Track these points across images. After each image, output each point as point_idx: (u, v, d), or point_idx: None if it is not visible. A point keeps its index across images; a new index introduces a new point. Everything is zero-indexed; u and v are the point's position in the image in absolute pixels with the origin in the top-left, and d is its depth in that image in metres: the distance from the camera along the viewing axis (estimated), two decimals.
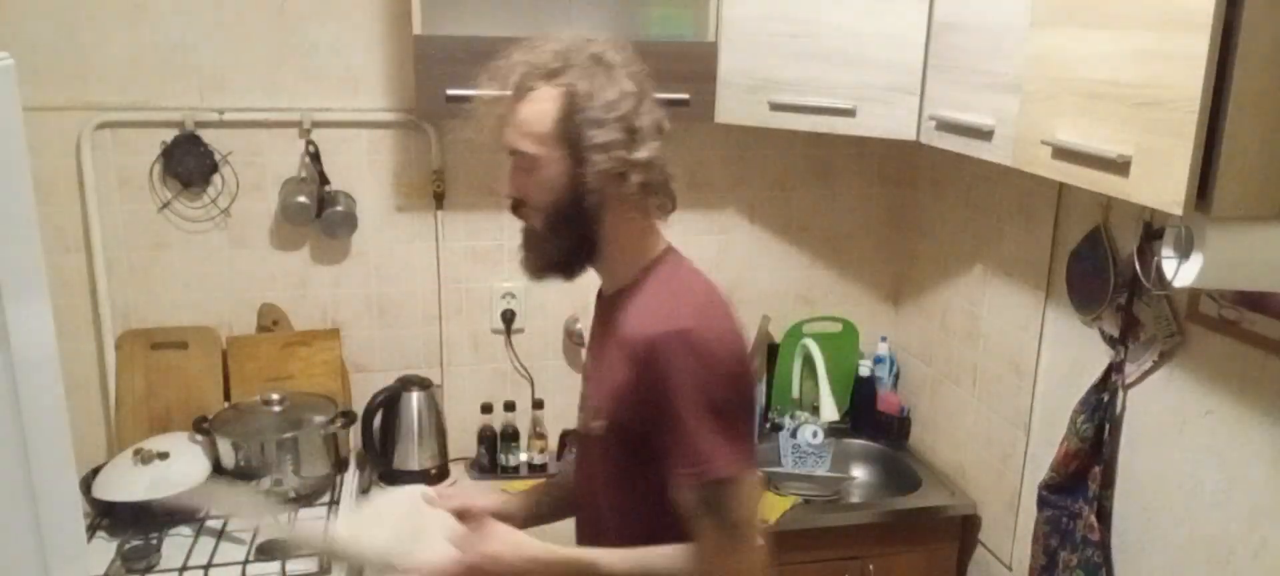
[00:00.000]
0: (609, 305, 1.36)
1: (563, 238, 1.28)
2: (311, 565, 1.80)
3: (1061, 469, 1.80)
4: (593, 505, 1.40)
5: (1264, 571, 1.47)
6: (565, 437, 2.36)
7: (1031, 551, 1.89)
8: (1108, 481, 1.76)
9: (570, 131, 1.22)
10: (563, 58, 1.25)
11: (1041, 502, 1.85)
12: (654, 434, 1.23)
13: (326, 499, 2.06)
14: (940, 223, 2.39)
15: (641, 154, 1.23)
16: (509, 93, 1.26)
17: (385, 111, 2.20)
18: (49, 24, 2.00)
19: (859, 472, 2.46)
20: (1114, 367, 1.74)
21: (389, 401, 2.22)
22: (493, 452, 2.33)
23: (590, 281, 1.40)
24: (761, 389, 2.49)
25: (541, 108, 1.23)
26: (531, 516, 1.51)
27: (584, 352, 1.49)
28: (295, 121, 2.15)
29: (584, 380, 1.46)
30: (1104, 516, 1.76)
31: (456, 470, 2.33)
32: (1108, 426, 1.75)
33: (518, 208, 1.31)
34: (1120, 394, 1.75)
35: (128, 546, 1.81)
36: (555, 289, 2.35)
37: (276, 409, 2.06)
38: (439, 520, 1.37)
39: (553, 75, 1.24)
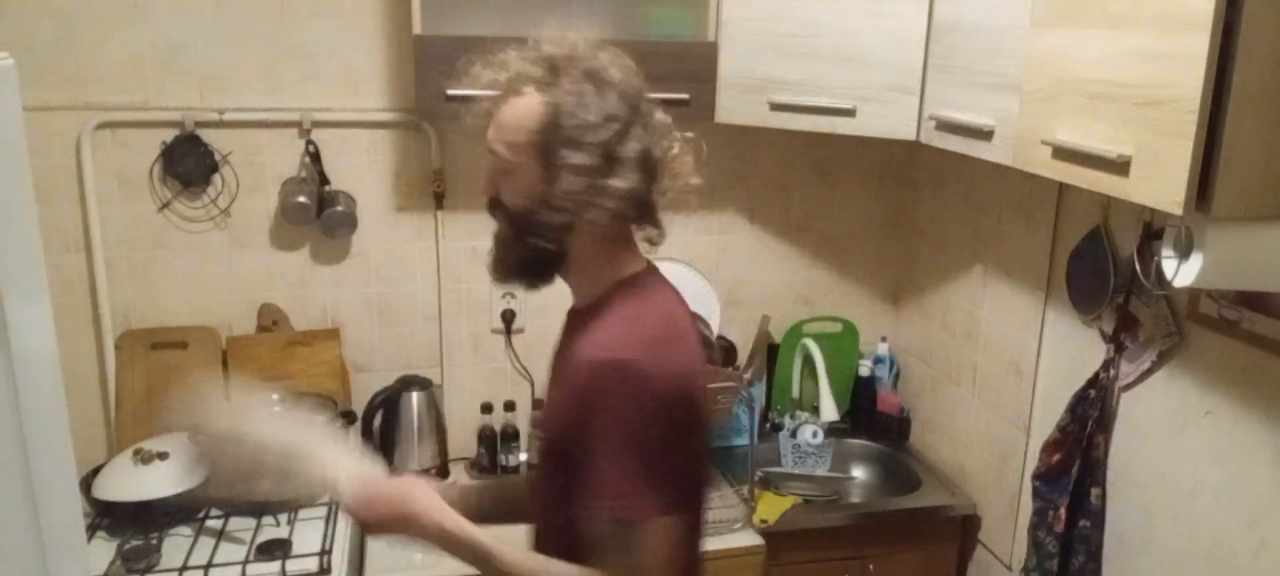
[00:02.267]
0: (574, 321, 1.33)
1: (527, 247, 1.24)
2: (312, 565, 1.81)
3: (1045, 459, 1.83)
4: (537, 517, 1.37)
5: (1264, 571, 1.47)
6: None
7: (1027, 544, 1.90)
8: (1091, 476, 1.77)
9: (545, 145, 1.18)
10: (557, 66, 1.20)
11: (1035, 494, 1.87)
12: (582, 459, 1.18)
13: (326, 499, 2.05)
14: (940, 223, 2.39)
15: (617, 183, 1.18)
16: (498, 90, 1.23)
17: (385, 111, 2.20)
18: (49, 24, 2.00)
19: (859, 472, 2.46)
20: (1104, 366, 1.75)
21: (389, 401, 2.22)
22: (493, 452, 2.32)
23: None
24: (761, 389, 2.50)
25: (522, 115, 1.19)
26: (467, 508, 1.36)
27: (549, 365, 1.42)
28: (295, 121, 2.15)
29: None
30: (1088, 512, 1.77)
31: (456, 470, 2.33)
32: (1093, 422, 1.76)
33: (492, 206, 1.28)
34: (1111, 391, 1.75)
35: (128, 546, 1.81)
36: (555, 289, 2.34)
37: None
38: (358, 455, 1.36)
39: (542, 83, 1.20)
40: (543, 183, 1.19)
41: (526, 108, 1.19)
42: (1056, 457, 1.81)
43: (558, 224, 1.21)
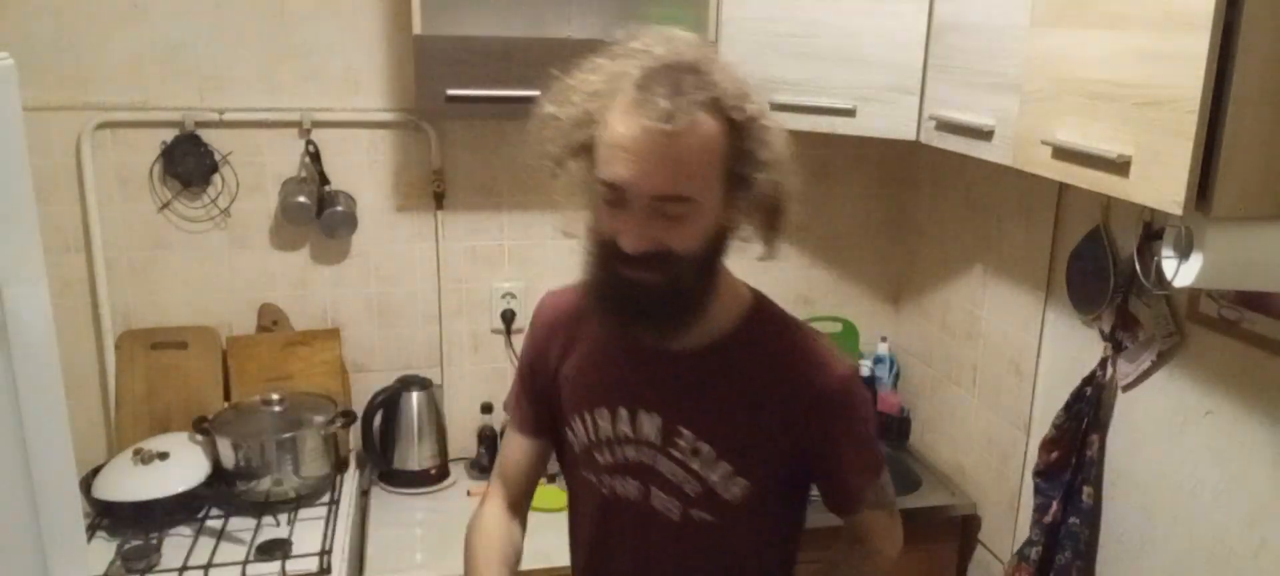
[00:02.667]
0: (701, 358, 1.18)
1: (698, 289, 1.11)
2: (311, 565, 1.81)
3: (1043, 456, 1.84)
4: (730, 564, 1.27)
5: (1264, 571, 1.47)
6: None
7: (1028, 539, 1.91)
8: (1083, 475, 1.77)
9: (733, 167, 1.05)
10: (695, 69, 1.04)
11: (1036, 489, 1.87)
12: (835, 475, 1.25)
13: (326, 499, 2.06)
14: (940, 223, 2.39)
15: (795, 180, 1.10)
16: (651, 125, 1.00)
17: (385, 111, 2.20)
18: (49, 24, 2.00)
19: None
20: (1103, 363, 1.75)
21: (389, 401, 2.22)
22: (493, 452, 2.32)
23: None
24: None
25: (704, 141, 1.02)
26: None
27: (585, 420, 1.26)
28: (295, 121, 2.15)
29: (626, 446, 1.23)
30: (1079, 510, 1.77)
31: (456, 470, 2.33)
32: (1088, 420, 1.76)
33: (653, 261, 1.05)
34: (1108, 391, 1.75)
35: (128, 546, 1.81)
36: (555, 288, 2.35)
37: (276, 409, 2.06)
38: None
39: (711, 103, 1.02)
40: (728, 204, 1.08)
41: (703, 129, 1.02)
42: (1054, 454, 1.82)
43: (726, 247, 1.12)
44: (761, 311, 1.22)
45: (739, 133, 1.04)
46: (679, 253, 1.06)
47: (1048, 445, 1.83)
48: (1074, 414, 1.79)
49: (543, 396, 1.34)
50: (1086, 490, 1.77)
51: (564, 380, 1.29)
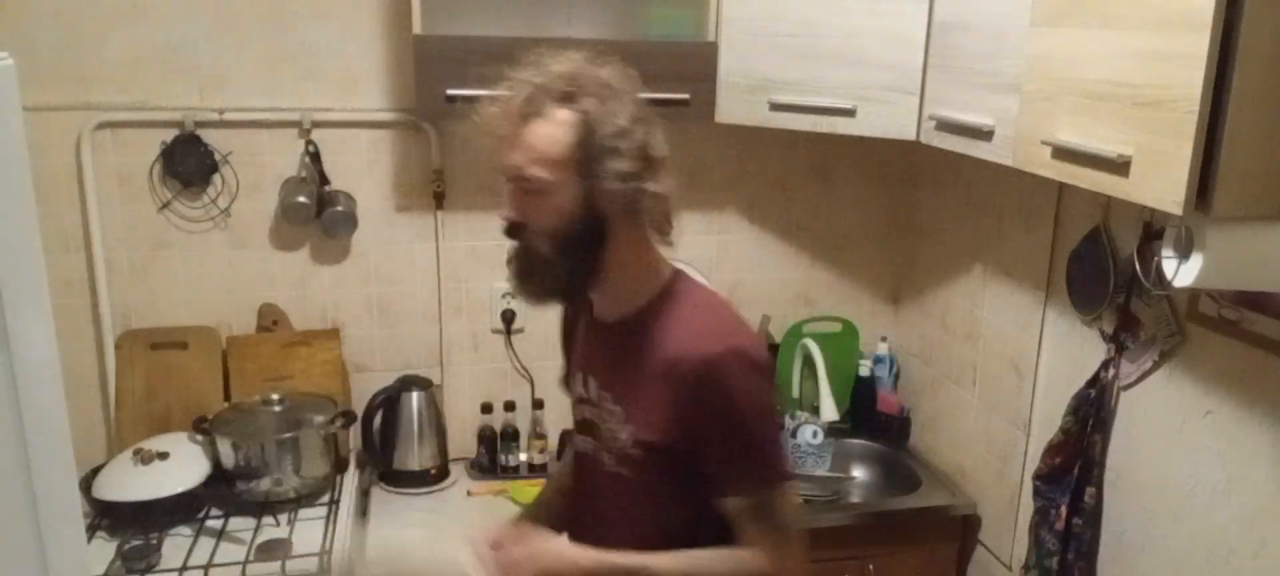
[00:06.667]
0: (620, 331, 1.33)
1: (568, 263, 1.25)
2: (311, 565, 1.81)
3: (1048, 460, 1.83)
4: (604, 526, 1.38)
5: (1264, 571, 1.47)
6: (565, 437, 2.36)
7: (1027, 543, 1.90)
8: (1086, 476, 1.77)
9: (586, 158, 1.19)
10: (573, 81, 1.21)
11: (1036, 493, 1.87)
12: (704, 451, 1.26)
13: (326, 498, 2.06)
14: (940, 223, 2.39)
15: (654, 185, 1.22)
16: (513, 113, 1.22)
17: (385, 111, 2.20)
18: (49, 24, 2.00)
19: (859, 472, 2.46)
20: (1105, 364, 1.75)
21: (389, 401, 2.22)
22: (493, 452, 2.33)
23: None
24: None
25: (554, 132, 1.20)
26: (558, 518, 1.49)
27: (572, 381, 1.45)
28: (295, 121, 2.15)
29: (585, 405, 1.42)
30: (1081, 510, 1.77)
31: (456, 470, 2.33)
32: (1092, 421, 1.76)
33: (516, 230, 1.27)
34: (1111, 391, 1.75)
35: (128, 546, 1.81)
36: None
37: (276, 409, 2.06)
38: (466, 538, 1.38)
39: (565, 98, 1.20)
40: (586, 194, 1.21)
41: (557, 123, 1.20)
42: (1058, 459, 1.81)
43: (601, 232, 1.23)
44: (674, 288, 1.32)
45: (590, 125, 1.18)
46: (537, 227, 1.23)
47: (1053, 450, 1.82)
48: (1080, 417, 1.78)
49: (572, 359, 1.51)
50: (1089, 491, 1.77)
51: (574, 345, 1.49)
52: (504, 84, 1.24)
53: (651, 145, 1.22)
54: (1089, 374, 1.79)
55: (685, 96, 2.02)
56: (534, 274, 1.28)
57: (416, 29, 1.93)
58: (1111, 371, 1.75)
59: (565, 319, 1.52)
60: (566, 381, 1.50)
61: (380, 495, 2.22)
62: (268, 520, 1.95)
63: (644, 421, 1.29)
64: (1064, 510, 1.78)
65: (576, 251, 1.24)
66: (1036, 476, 1.86)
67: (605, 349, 1.37)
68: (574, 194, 1.21)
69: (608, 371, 1.36)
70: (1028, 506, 1.94)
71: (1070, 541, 1.79)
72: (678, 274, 1.34)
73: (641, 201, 1.22)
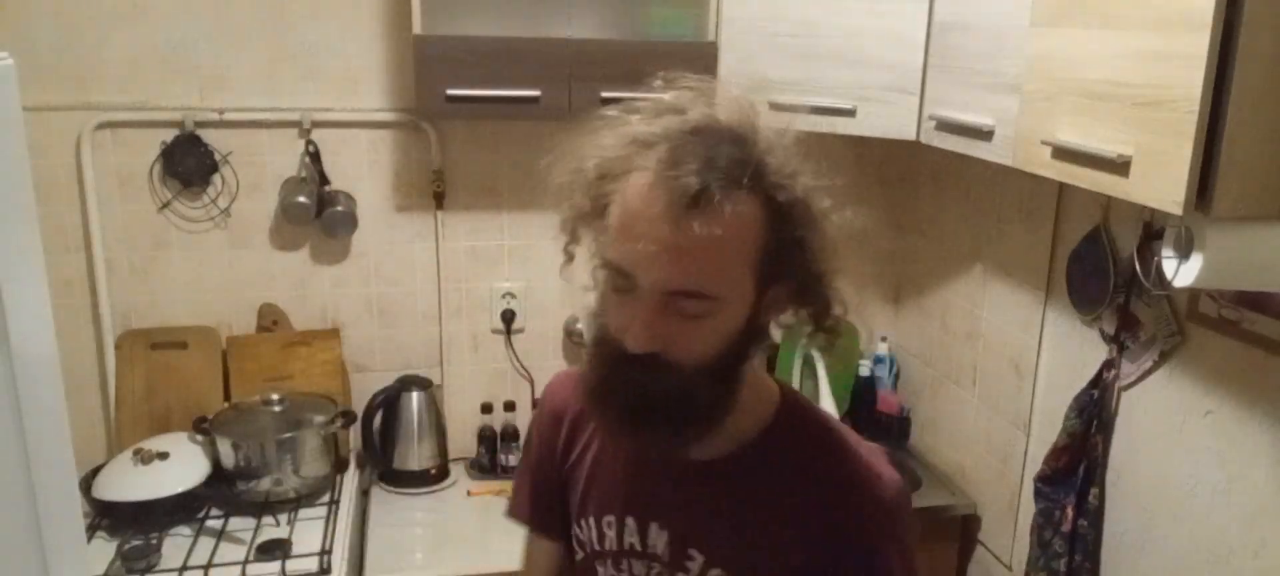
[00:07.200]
0: (724, 470, 0.99)
1: (717, 396, 0.92)
2: (312, 565, 1.81)
3: (1051, 462, 1.82)
4: None
5: (1264, 571, 1.47)
6: None
7: (1029, 544, 1.90)
8: (1091, 477, 1.77)
9: (770, 258, 0.87)
10: (741, 142, 0.86)
11: (1037, 494, 1.86)
12: None
13: (326, 498, 2.06)
14: (940, 223, 2.39)
15: (841, 260, 0.92)
16: (675, 206, 0.82)
17: (385, 111, 2.20)
18: (49, 24, 2.00)
19: None
20: (1106, 365, 1.75)
21: (389, 401, 2.22)
22: (493, 452, 2.33)
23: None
24: None
25: (737, 232, 0.84)
26: None
27: (596, 526, 1.08)
28: (295, 121, 2.15)
29: (634, 560, 1.05)
30: (1086, 512, 1.77)
31: (456, 470, 2.33)
32: (1095, 422, 1.76)
33: (653, 364, 0.88)
34: (1113, 391, 1.75)
35: (128, 546, 1.81)
36: (555, 289, 2.36)
37: (276, 409, 2.06)
38: None
39: (740, 174, 0.84)
40: (754, 308, 0.90)
41: (742, 222, 0.84)
42: (1062, 460, 1.80)
43: (747, 350, 0.92)
44: (793, 412, 1.02)
45: (782, 216, 0.86)
46: (692, 358, 0.88)
47: (1057, 452, 1.80)
48: (1085, 418, 1.77)
49: (554, 491, 1.14)
50: (1093, 492, 1.77)
51: (572, 477, 1.12)
52: (612, 140, 0.90)
53: (829, 214, 0.91)
54: (1089, 374, 1.79)
55: None
56: (664, 411, 0.91)
57: (416, 29, 1.93)
58: (1113, 372, 1.75)
59: (543, 438, 1.15)
60: (542, 522, 1.14)
61: (380, 495, 2.22)
62: (268, 520, 1.95)
63: None
64: (1071, 511, 1.77)
65: (726, 376, 0.92)
66: (1039, 478, 1.85)
67: (690, 492, 1.01)
68: (747, 307, 0.89)
69: (694, 521, 1.01)
70: (1028, 506, 1.94)
71: (1076, 542, 1.78)
72: (789, 389, 1.05)
73: (828, 292, 0.92)
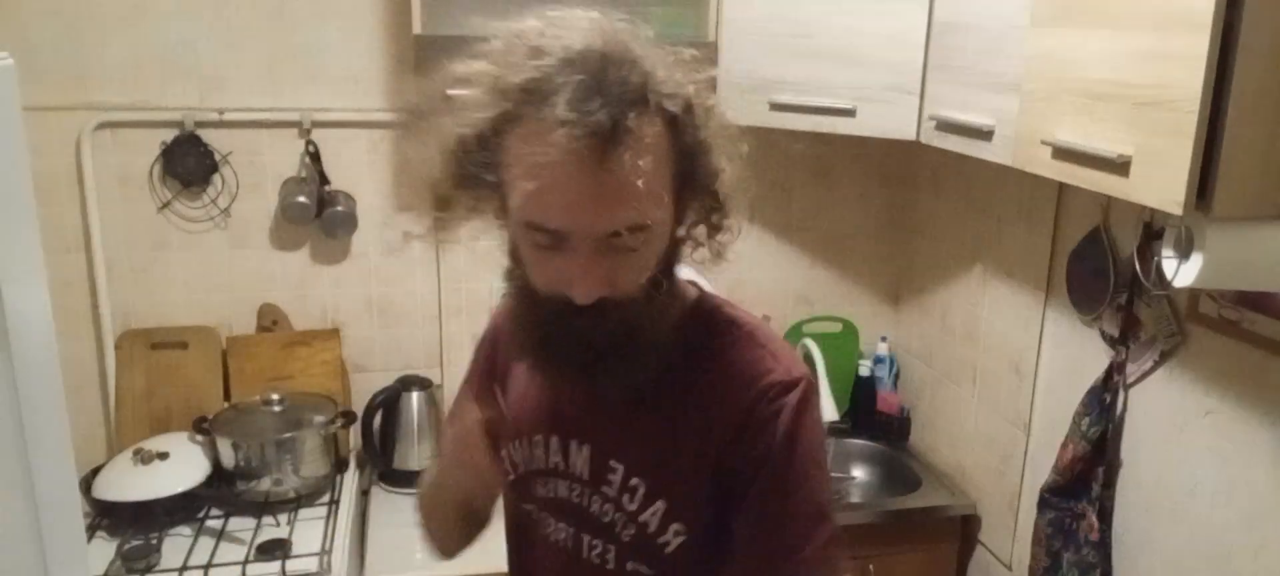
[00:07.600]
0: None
1: (661, 317, 0.92)
2: (312, 565, 1.81)
3: (1067, 471, 1.78)
4: None
5: (1264, 571, 1.47)
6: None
7: (1032, 552, 1.89)
8: (1108, 481, 1.76)
9: (683, 171, 0.87)
10: (625, 62, 0.83)
11: (1043, 504, 1.84)
12: (732, 496, 0.94)
13: (326, 498, 2.06)
14: (940, 223, 2.39)
15: (738, 162, 0.93)
16: (582, 148, 0.78)
17: (385, 111, 2.20)
18: (49, 24, 2.00)
19: (859, 472, 2.46)
20: (1115, 368, 1.74)
21: (389, 401, 2.22)
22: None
23: None
24: None
25: (649, 155, 0.82)
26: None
27: (516, 447, 1.07)
28: (295, 121, 2.15)
29: (557, 480, 1.03)
30: (1105, 516, 1.76)
31: None
32: (1109, 427, 1.75)
33: (603, 307, 0.86)
34: (1122, 394, 1.75)
35: (128, 546, 1.81)
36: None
37: (276, 409, 2.06)
38: None
39: (640, 96, 0.81)
40: (674, 224, 0.90)
41: (651, 143, 0.82)
42: (1079, 468, 1.76)
43: (677, 259, 0.93)
44: (701, 312, 1.00)
45: (680, 124, 0.85)
46: (625, 288, 0.86)
47: (1076, 460, 1.76)
48: (1103, 425, 1.75)
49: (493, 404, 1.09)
50: (1106, 493, 1.76)
51: (505, 400, 1.09)
52: (476, 82, 0.88)
53: (718, 108, 0.90)
54: (1089, 374, 1.79)
55: None
56: (618, 352, 0.89)
57: (416, 29, 1.93)
58: (1121, 374, 1.74)
59: (477, 364, 1.15)
60: (481, 443, 1.01)
61: (380, 495, 2.22)
62: (268, 520, 1.95)
63: (682, 491, 0.95)
64: (1095, 520, 1.74)
65: (664, 298, 0.92)
66: (1048, 488, 1.82)
67: (607, 403, 0.97)
68: (671, 221, 0.89)
69: (612, 432, 0.99)
70: (1028, 507, 1.94)
71: (1100, 548, 1.76)
72: (701, 290, 1.03)
73: (728, 188, 0.92)
